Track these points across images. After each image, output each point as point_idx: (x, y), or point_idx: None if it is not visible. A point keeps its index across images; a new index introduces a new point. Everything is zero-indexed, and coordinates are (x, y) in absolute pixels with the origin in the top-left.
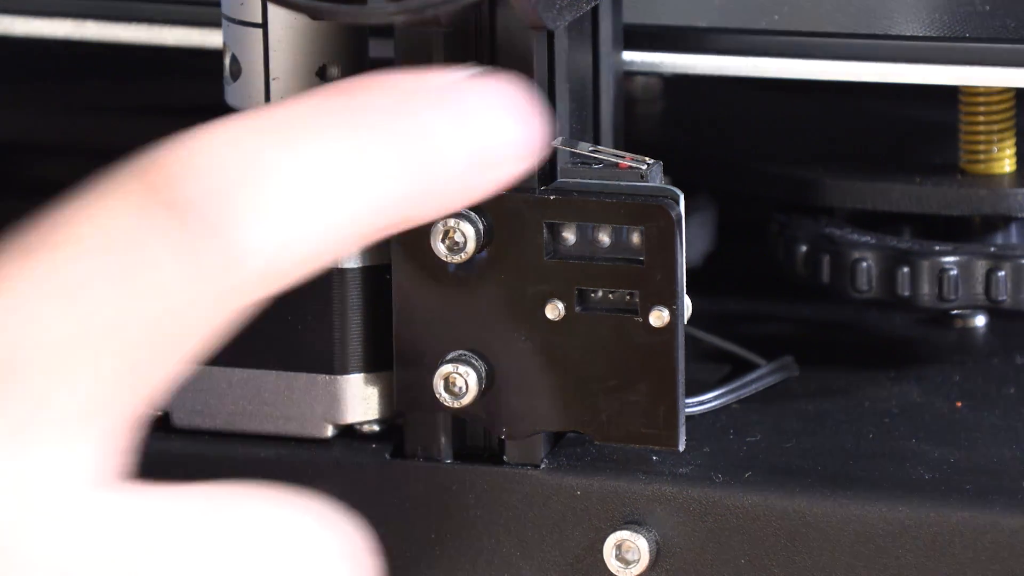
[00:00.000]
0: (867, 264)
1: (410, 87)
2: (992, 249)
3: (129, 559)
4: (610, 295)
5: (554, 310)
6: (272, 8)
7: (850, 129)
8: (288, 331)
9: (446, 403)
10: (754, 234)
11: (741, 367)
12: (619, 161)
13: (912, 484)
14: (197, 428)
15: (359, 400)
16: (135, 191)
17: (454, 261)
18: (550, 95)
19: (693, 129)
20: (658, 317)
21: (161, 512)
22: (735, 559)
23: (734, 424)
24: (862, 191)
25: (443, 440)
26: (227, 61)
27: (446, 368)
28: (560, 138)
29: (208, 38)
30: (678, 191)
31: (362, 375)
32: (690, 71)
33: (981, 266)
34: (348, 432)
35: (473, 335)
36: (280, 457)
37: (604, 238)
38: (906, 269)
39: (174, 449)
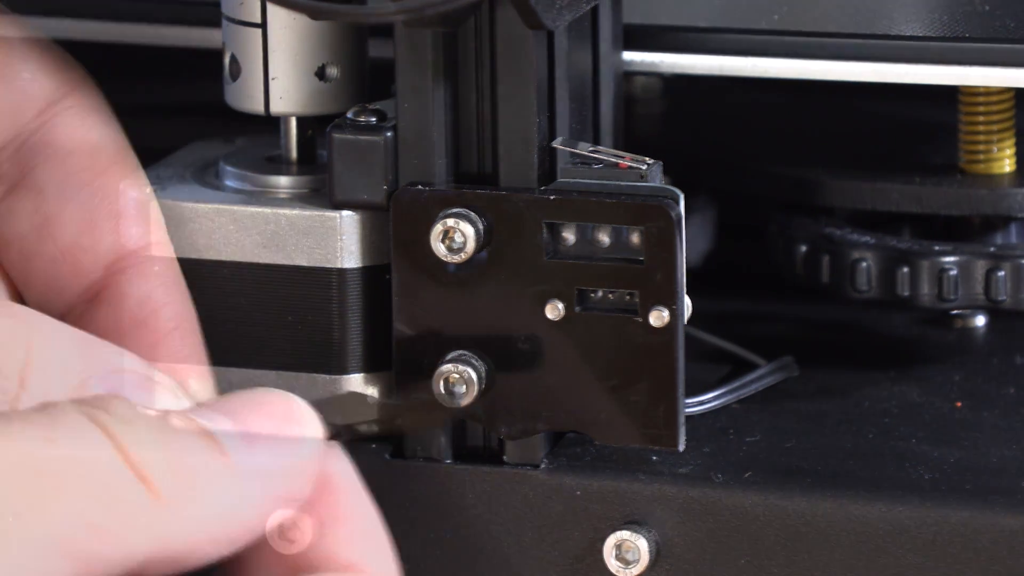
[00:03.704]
0: (867, 264)
1: None
2: (992, 249)
3: None
4: (610, 295)
5: (554, 310)
6: (272, 8)
7: (850, 129)
8: (288, 331)
9: (446, 403)
10: (754, 234)
11: (741, 367)
12: (619, 161)
13: (912, 484)
14: None
15: (359, 400)
16: None
17: (454, 261)
18: (550, 95)
19: (693, 129)
20: (658, 317)
21: None
22: (735, 559)
23: (734, 424)
24: (862, 191)
25: (443, 440)
26: (227, 61)
27: (446, 368)
28: (560, 138)
29: (208, 38)
30: (678, 191)
31: (362, 375)
32: (690, 71)
33: (981, 266)
34: (348, 432)
35: (473, 335)
36: None
37: (604, 238)
38: (906, 269)
39: None
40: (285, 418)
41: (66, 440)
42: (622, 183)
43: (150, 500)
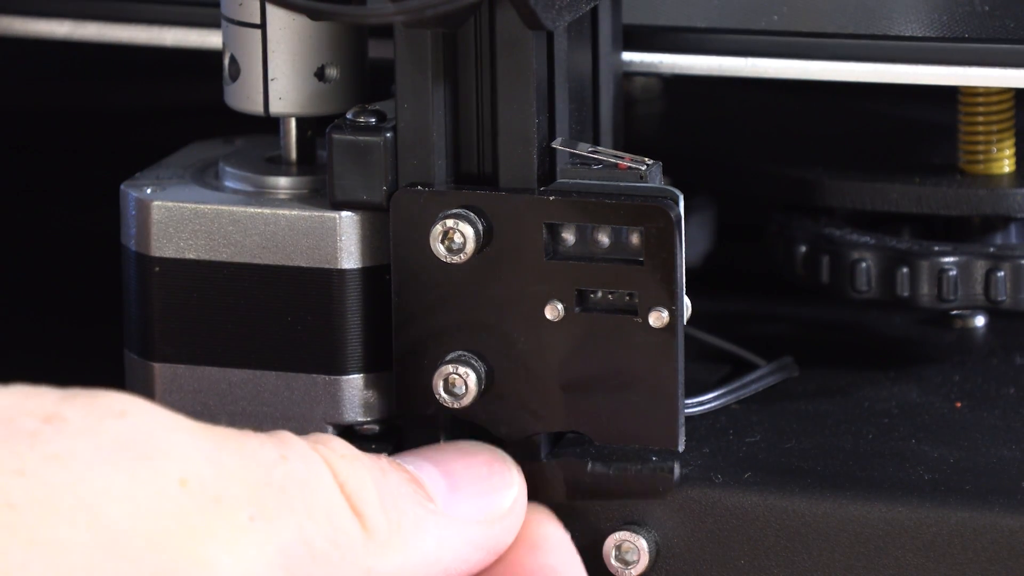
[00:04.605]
0: (866, 264)
1: None
2: (991, 249)
3: None
4: (610, 295)
5: (554, 310)
6: (271, 8)
7: (850, 129)
8: (288, 331)
9: (446, 403)
10: (754, 234)
11: (741, 367)
12: (618, 161)
13: (912, 484)
14: None
15: (359, 400)
16: None
17: (454, 262)
18: (550, 95)
19: (693, 129)
20: (658, 318)
21: None
22: (735, 559)
23: (734, 424)
24: (862, 191)
25: (443, 440)
26: (226, 62)
27: (446, 368)
28: (560, 138)
29: (207, 39)
30: (678, 191)
31: (362, 375)
32: (690, 71)
33: (980, 266)
34: (348, 432)
35: (473, 335)
36: None
37: (603, 238)
38: (906, 269)
39: None
40: (488, 468)
41: (295, 461)
42: (622, 183)
43: (363, 535)
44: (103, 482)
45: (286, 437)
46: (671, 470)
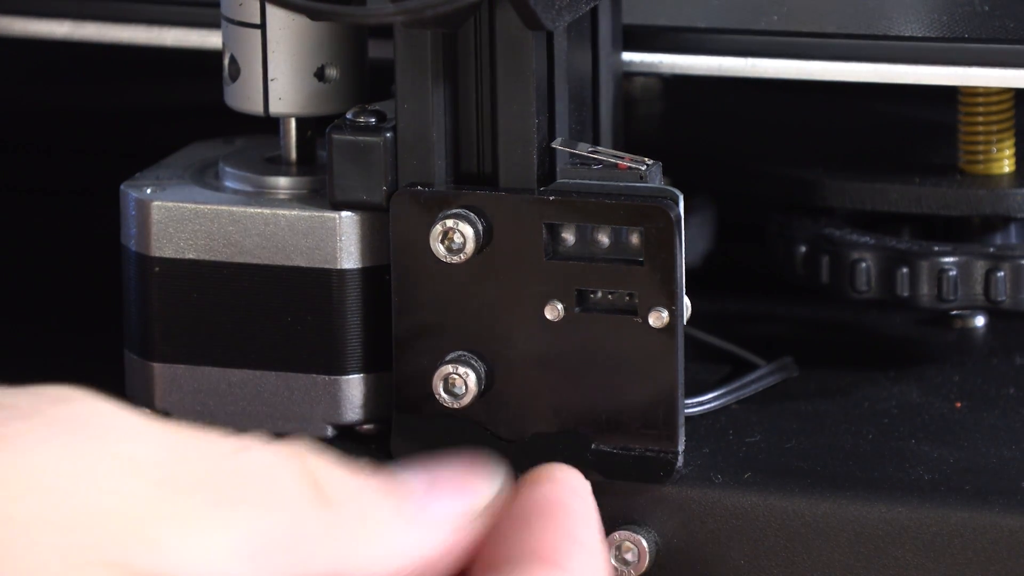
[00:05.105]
0: (866, 264)
1: None
2: (991, 249)
3: None
4: (610, 295)
5: (554, 310)
6: (271, 9)
7: (850, 129)
8: (288, 331)
9: (446, 403)
10: (754, 234)
11: (741, 367)
12: (618, 161)
13: (912, 484)
14: None
15: (359, 400)
16: None
17: (454, 261)
18: (550, 95)
19: (693, 129)
20: (658, 318)
21: None
22: (735, 559)
23: (734, 424)
24: (861, 191)
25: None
26: (226, 62)
27: (446, 368)
28: (560, 139)
29: (207, 39)
30: (677, 191)
31: (362, 375)
32: (690, 71)
33: (980, 266)
34: (348, 433)
35: (473, 335)
36: None
37: (603, 239)
38: (905, 269)
39: None
40: (468, 465)
41: (258, 451)
42: (621, 184)
43: (332, 528)
44: (50, 459)
45: (251, 437)
46: (671, 470)
